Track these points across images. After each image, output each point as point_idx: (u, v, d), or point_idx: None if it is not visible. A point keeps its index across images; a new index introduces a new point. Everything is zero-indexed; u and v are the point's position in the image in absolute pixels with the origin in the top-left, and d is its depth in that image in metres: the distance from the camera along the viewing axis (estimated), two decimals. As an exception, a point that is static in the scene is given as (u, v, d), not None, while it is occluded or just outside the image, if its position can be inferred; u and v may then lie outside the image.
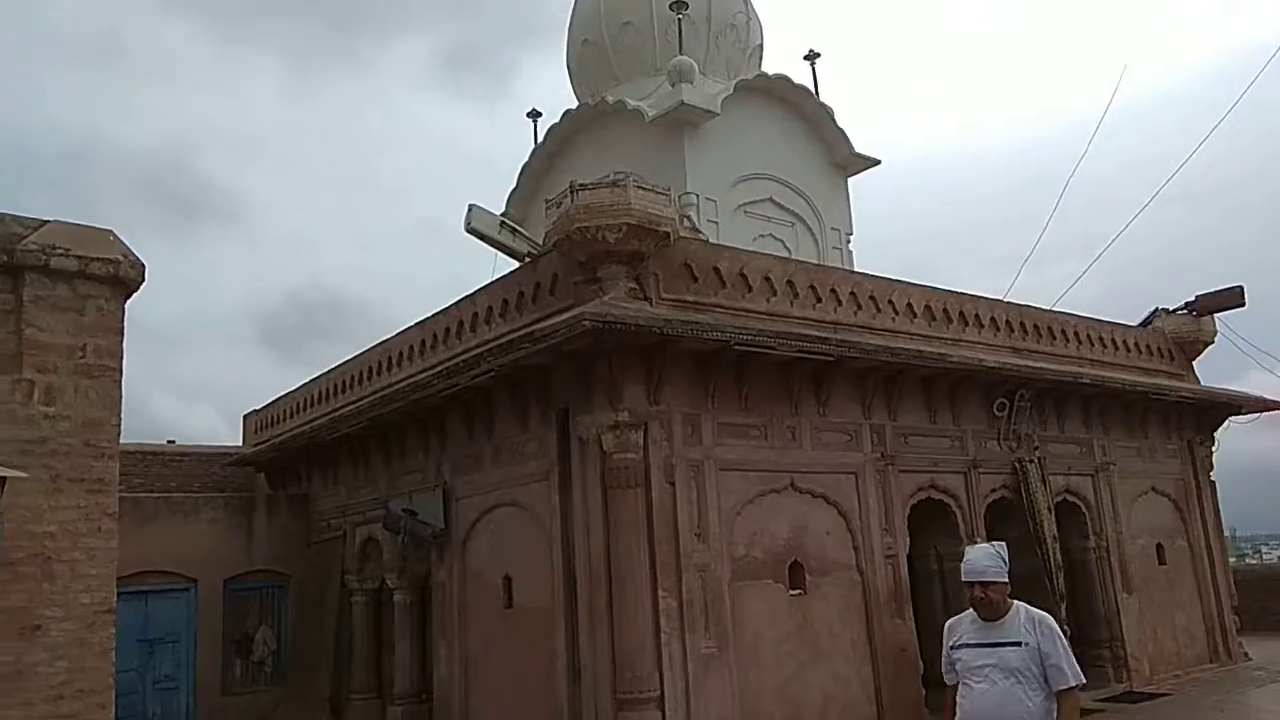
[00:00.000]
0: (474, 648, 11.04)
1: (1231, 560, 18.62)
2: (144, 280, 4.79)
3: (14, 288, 4.39)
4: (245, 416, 19.04)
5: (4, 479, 3.80)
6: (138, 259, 4.77)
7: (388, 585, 13.18)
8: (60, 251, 4.46)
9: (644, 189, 9.48)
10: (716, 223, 15.48)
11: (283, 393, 17.62)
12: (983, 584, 4.44)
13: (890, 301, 11.95)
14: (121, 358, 4.69)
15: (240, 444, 18.85)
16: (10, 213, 4.54)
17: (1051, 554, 12.25)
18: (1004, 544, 4.83)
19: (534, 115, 19.18)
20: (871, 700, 10.25)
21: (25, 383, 4.32)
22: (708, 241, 11.44)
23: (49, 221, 4.58)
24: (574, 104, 18.11)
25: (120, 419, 4.64)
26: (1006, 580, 4.56)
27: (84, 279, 4.55)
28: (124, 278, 4.68)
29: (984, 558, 4.55)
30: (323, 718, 13.54)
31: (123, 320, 4.71)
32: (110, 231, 4.76)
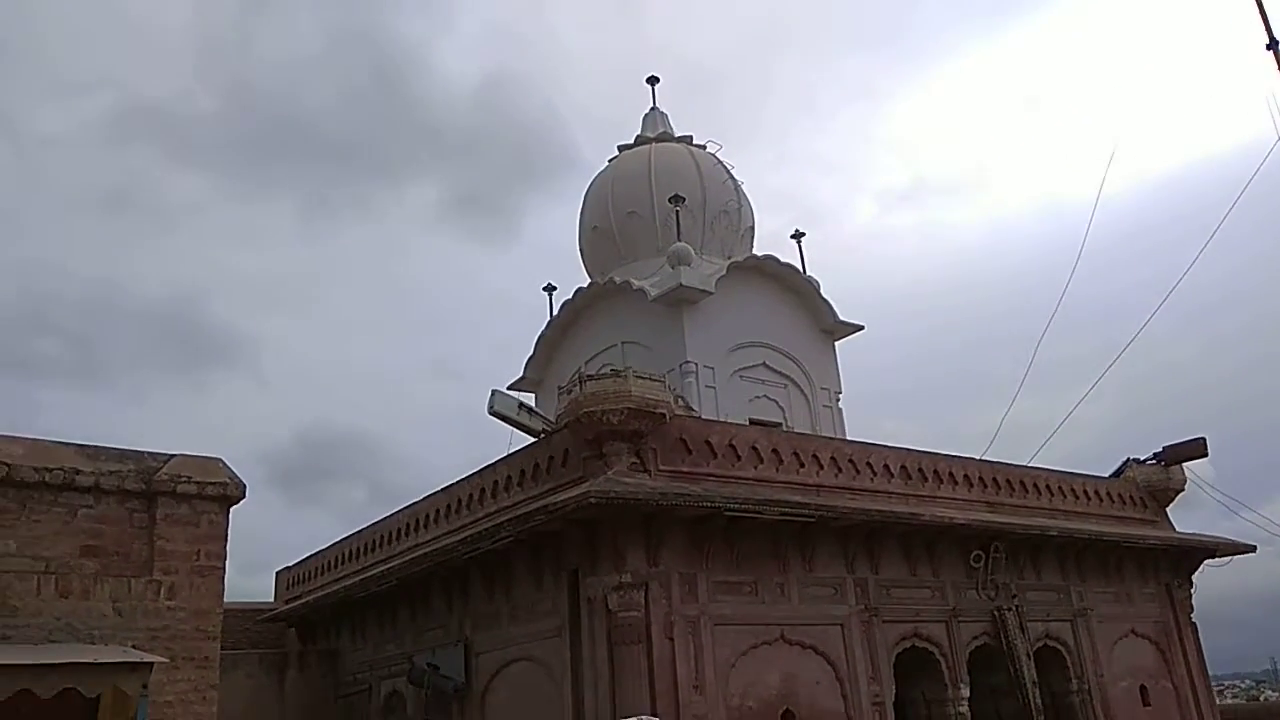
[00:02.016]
0: (492, 797, 11.85)
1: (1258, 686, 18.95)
2: (245, 496, 6.18)
3: (149, 508, 5.79)
4: (278, 573, 20.14)
5: (151, 664, 5.06)
6: (240, 480, 6.18)
7: (411, 738, 14.02)
8: (184, 479, 5.88)
9: (642, 378, 11.01)
10: (714, 388, 16.97)
11: (314, 550, 18.85)
12: None
13: (869, 464, 13.26)
14: (225, 558, 6.04)
15: (272, 599, 19.88)
16: (146, 450, 5.99)
17: (1031, 698, 13.07)
18: None
19: (549, 289, 21.04)
20: (863, 844, 10.95)
21: (155, 583, 5.66)
22: (700, 418, 12.90)
23: (175, 455, 6.02)
24: (584, 279, 20.02)
25: (222, 608, 5.93)
26: None
27: (201, 499, 5.95)
28: (230, 495, 6.08)
29: None
30: None
31: (227, 529, 6.07)
32: (220, 460, 6.18)
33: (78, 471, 5.60)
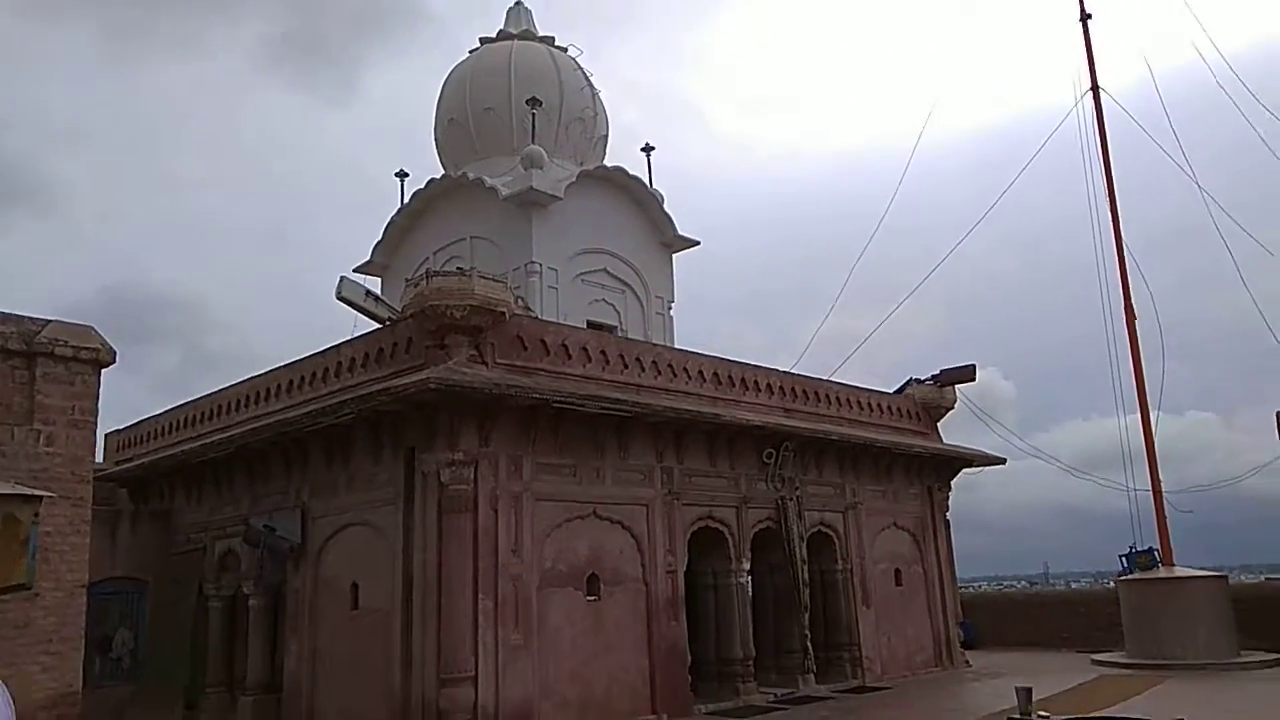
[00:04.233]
0: (322, 643, 13.12)
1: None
2: (115, 361, 6.91)
3: (29, 367, 6.49)
4: (107, 435, 20.18)
5: (42, 497, 5.88)
6: (111, 347, 6.90)
7: (243, 592, 15.01)
8: (61, 343, 6.57)
9: (486, 278, 12.05)
10: (556, 289, 18.19)
11: (147, 415, 19.06)
12: None
13: (685, 368, 14.91)
14: (96, 414, 6.82)
15: (101, 459, 19.98)
16: (25, 314, 6.61)
17: (800, 574, 15.44)
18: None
19: (401, 175, 21.42)
20: (647, 684, 12.97)
21: (35, 432, 6.42)
22: (537, 318, 14.09)
23: (51, 320, 6.70)
24: (427, 162, 20.59)
25: (94, 456, 6.71)
26: None
27: (76, 361, 6.67)
28: (101, 360, 6.83)
29: None
30: (177, 709, 15.13)
31: (98, 388, 6.83)
32: (92, 327, 6.87)
33: (-36, 331, 6.24)
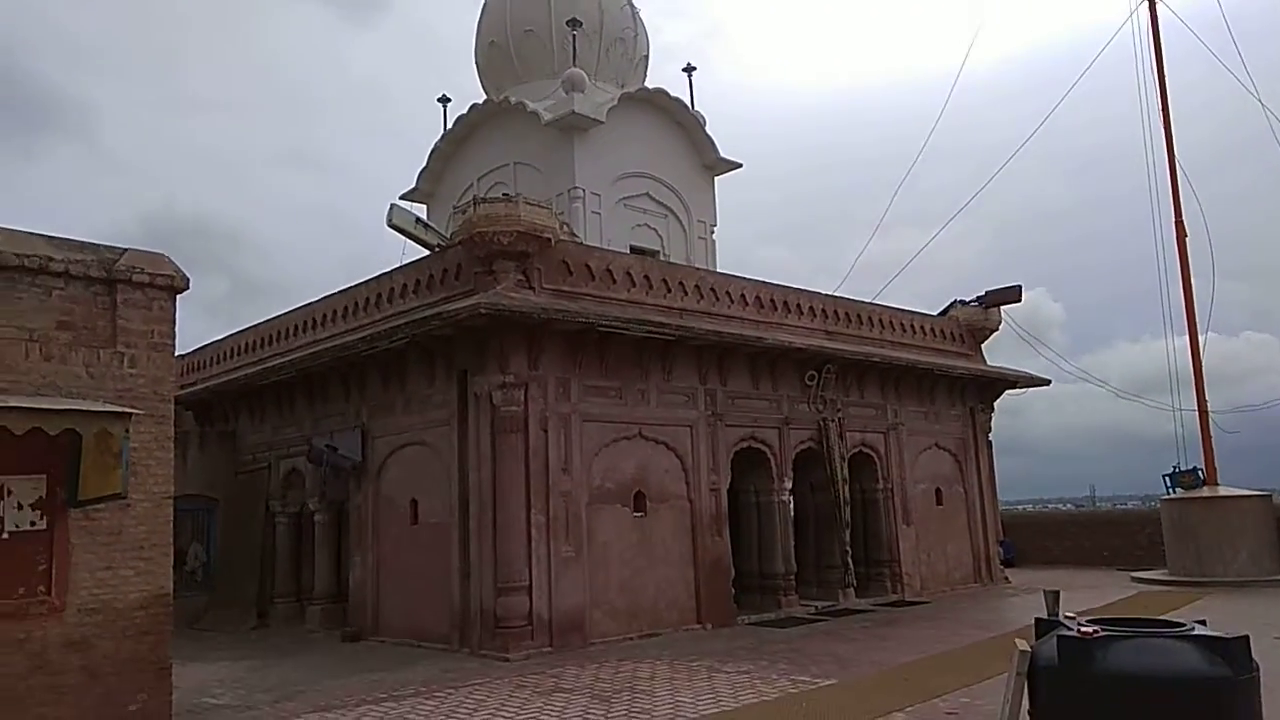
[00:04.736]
0: (384, 556, 13.84)
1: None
2: (188, 286, 7.32)
3: (110, 293, 6.91)
4: (171, 360, 21.02)
5: (131, 414, 6.36)
6: (184, 274, 7.31)
7: (308, 508, 15.80)
8: (139, 270, 6.98)
9: (531, 204, 12.26)
10: (600, 214, 18.32)
11: (200, 343, 19.87)
12: None
13: (727, 292, 15.09)
14: (174, 337, 7.25)
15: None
16: (102, 243, 7.01)
17: (841, 493, 15.79)
18: None
19: (444, 100, 21.50)
20: (692, 596, 13.52)
21: (119, 354, 6.87)
22: (582, 243, 14.30)
23: (127, 249, 7.10)
24: (465, 88, 20.62)
25: (175, 376, 7.17)
26: None
27: (153, 287, 7.07)
28: (176, 286, 7.23)
29: None
30: (249, 617, 16.12)
31: (174, 313, 7.26)
32: (165, 255, 7.27)
33: (50, 259, 6.64)
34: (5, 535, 6.20)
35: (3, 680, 5.97)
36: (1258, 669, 4.26)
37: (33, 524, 6.31)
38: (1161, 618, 4.85)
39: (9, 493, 6.25)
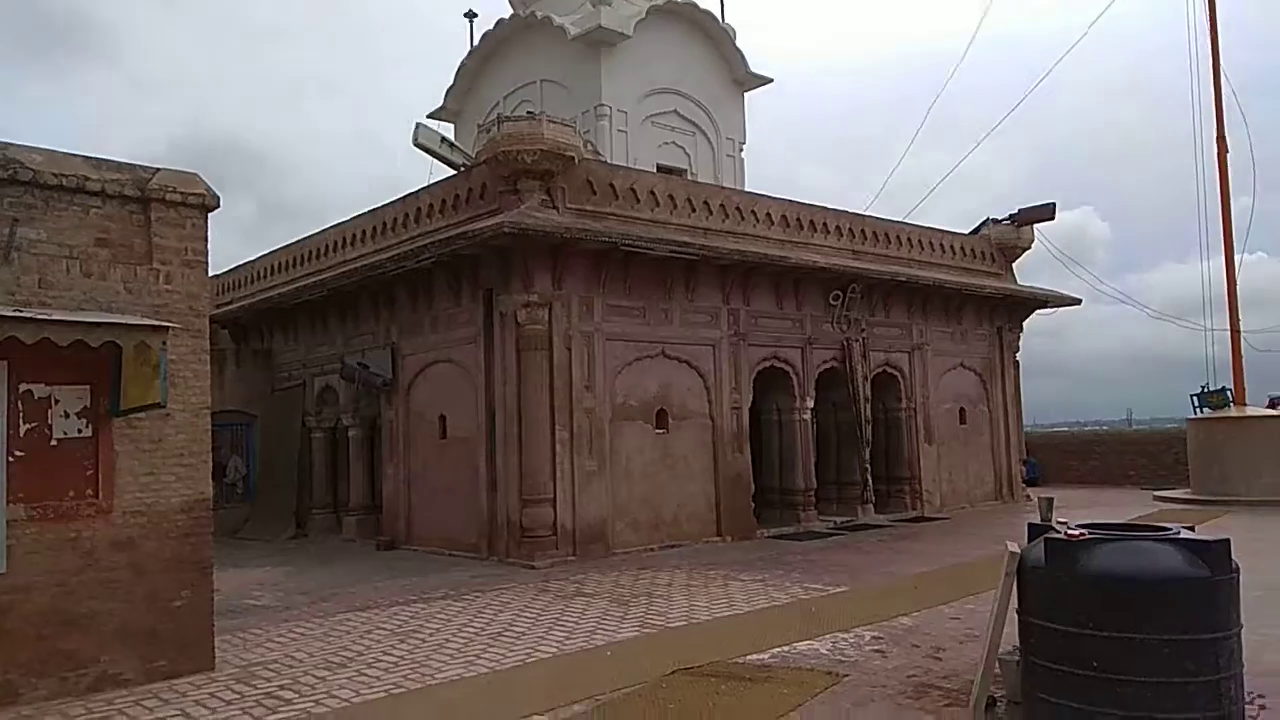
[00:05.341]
0: (415, 468, 14.31)
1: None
2: (219, 205, 7.53)
3: (144, 211, 7.14)
4: (207, 280, 21.45)
5: (168, 327, 6.66)
6: (215, 193, 7.51)
7: (342, 423, 16.31)
8: (171, 189, 7.18)
9: (555, 122, 12.27)
10: (626, 132, 18.22)
11: (232, 263, 20.23)
12: None
13: (752, 211, 15.06)
14: (207, 255, 7.50)
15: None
16: (137, 163, 7.22)
17: (863, 412, 15.97)
18: None
19: (470, 15, 21.23)
20: (713, 510, 13.89)
21: (155, 270, 7.13)
22: (606, 162, 14.29)
23: (160, 169, 7.31)
24: (508, 10, 20.26)
25: (208, 293, 7.46)
26: None
27: (185, 206, 7.28)
28: (207, 205, 7.43)
29: None
30: (287, 526, 16.81)
31: (206, 231, 7.49)
32: (197, 174, 7.47)
33: (87, 178, 6.85)
34: (54, 442, 6.57)
35: (58, 575, 6.41)
36: (1238, 570, 4.43)
37: (80, 431, 6.66)
38: (1150, 523, 5.02)
39: (56, 402, 6.59)
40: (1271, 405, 18.52)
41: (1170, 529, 4.64)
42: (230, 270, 20.54)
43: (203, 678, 6.64)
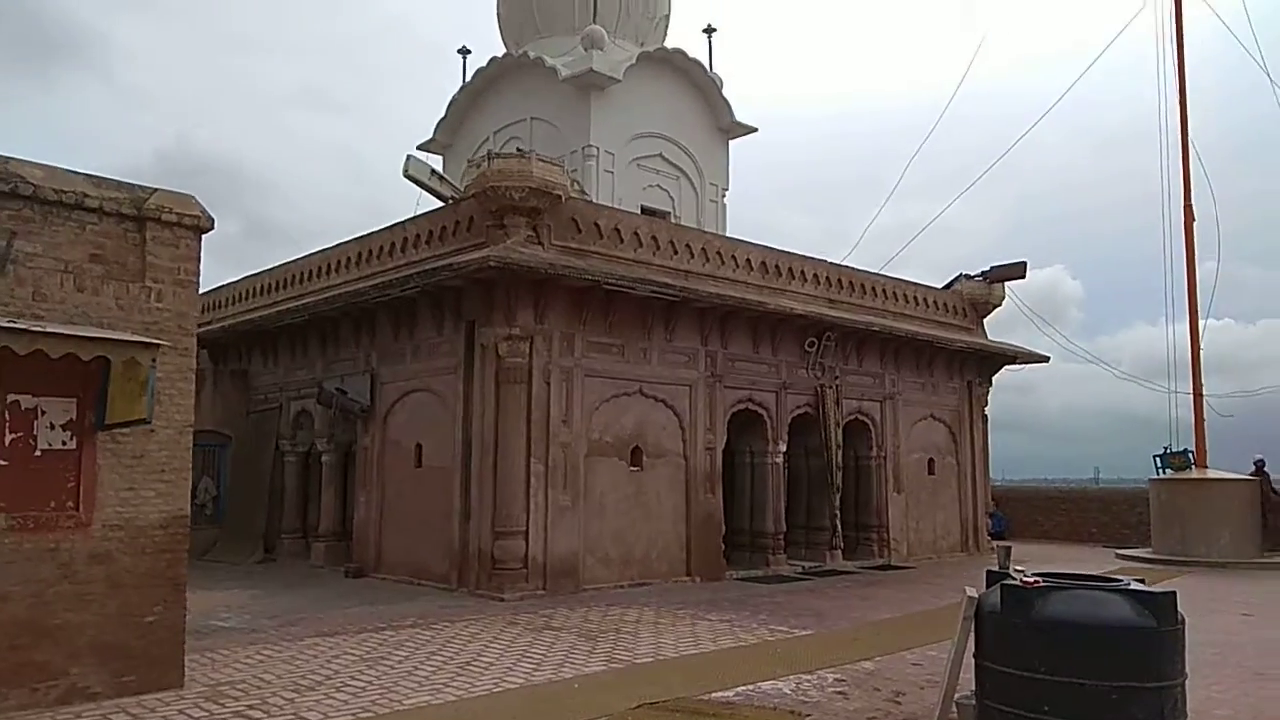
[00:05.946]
0: (389, 496, 14.34)
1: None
2: (214, 227, 7.68)
3: (140, 230, 7.28)
4: (187, 299, 21.43)
5: (159, 345, 6.77)
6: (210, 215, 7.68)
7: (317, 448, 16.32)
8: (167, 210, 7.33)
9: (544, 161, 12.55)
10: (613, 173, 18.57)
11: (223, 282, 20.22)
12: None
13: (733, 256, 15.38)
14: (199, 275, 7.64)
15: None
16: (136, 182, 7.38)
17: (834, 458, 16.21)
18: None
19: (464, 52, 21.65)
20: (683, 549, 14.02)
21: (147, 288, 7.26)
22: (592, 202, 14.59)
23: (156, 189, 7.47)
24: (483, 39, 20.70)
25: (198, 312, 7.58)
26: None
27: (180, 226, 7.43)
28: (201, 226, 7.59)
29: None
30: (256, 550, 16.71)
31: (199, 251, 7.63)
32: (193, 196, 7.63)
33: (86, 195, 6.99)
34: (38, 453, 6.63)
35: (34, 585, 6.44)
36: (1183, 623, 4.66)
37: (64, 444, 6.73)
38: (1102, 574, 5.25)
39: (42, 413, 6.67)
40: (1257, 468, 18.90)
41: (1121, 580, 4.87)
42: (212, 290, 20.49)
43: (171, 695, 6.66)
